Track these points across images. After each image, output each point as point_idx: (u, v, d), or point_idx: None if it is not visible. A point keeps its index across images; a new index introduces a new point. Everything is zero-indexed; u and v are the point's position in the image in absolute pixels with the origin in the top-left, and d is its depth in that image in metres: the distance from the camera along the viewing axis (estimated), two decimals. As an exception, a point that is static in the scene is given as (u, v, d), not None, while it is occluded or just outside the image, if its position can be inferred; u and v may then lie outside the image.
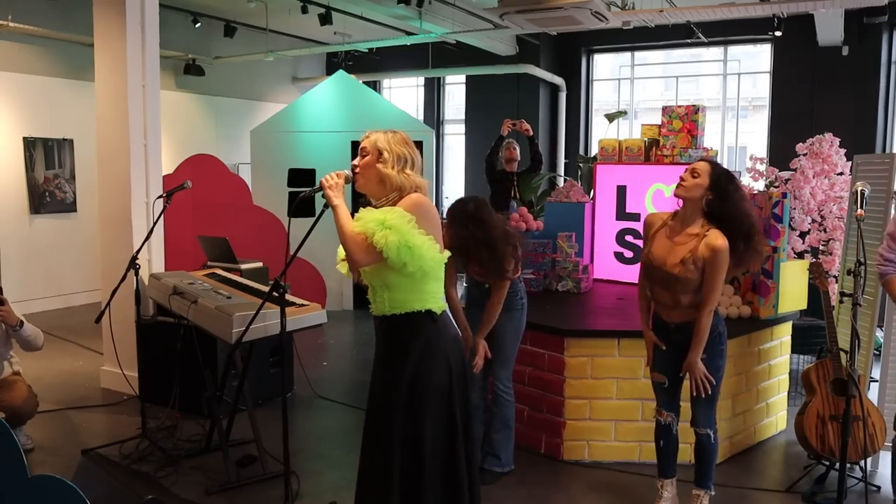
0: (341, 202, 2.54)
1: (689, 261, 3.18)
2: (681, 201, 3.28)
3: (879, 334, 4.70)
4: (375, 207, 2.58)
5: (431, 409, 2.55)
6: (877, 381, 4.37)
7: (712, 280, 3.17)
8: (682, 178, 3.24)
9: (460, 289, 4.23)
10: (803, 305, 4.77)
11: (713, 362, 3.38)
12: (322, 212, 2.63)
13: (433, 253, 2.49)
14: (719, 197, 3.17)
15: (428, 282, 2.56)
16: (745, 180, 6.47)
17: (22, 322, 4.26)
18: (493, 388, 4.03)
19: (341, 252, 2.65)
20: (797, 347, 5.20)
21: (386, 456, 2.55)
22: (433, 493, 2.55)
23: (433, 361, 2.56)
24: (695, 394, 3.36)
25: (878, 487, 4.01)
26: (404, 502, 2.54)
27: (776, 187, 6.11)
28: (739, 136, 10.40)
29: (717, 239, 3.15)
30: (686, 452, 3.81)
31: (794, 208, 6.14)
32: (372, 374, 2.75)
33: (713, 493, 3.59)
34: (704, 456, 3.52)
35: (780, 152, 7.91)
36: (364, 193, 2.66)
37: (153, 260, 5.45)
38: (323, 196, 2.57)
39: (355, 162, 2.66)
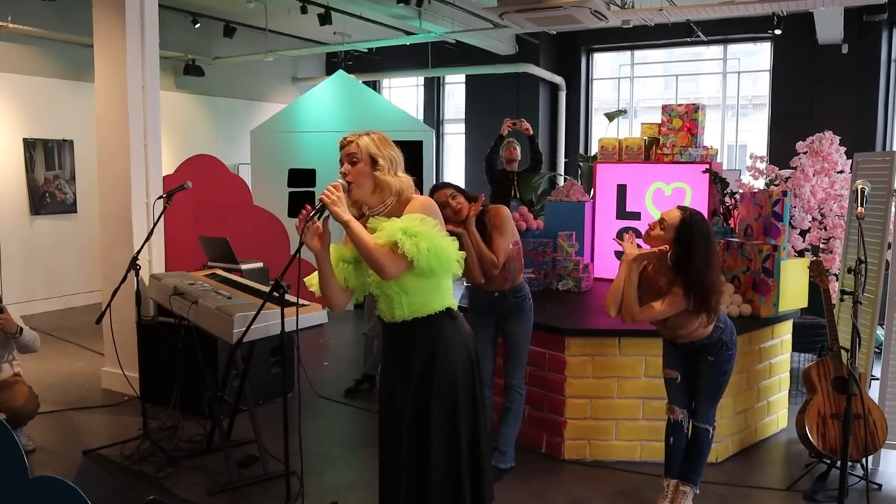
0: (350, 217, 2.43)
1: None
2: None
3: (880, 332, 4.70)
4: (366, 216, 2.55)
5: (462, 402, 2.57)
6: (878, 378, 4.36)
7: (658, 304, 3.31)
8: (650, 226, 3.33)
9: (459, 291, 4.23)
10: (804, 304, 4.77)
11: (720, 367, 3.47)
12: (322, 212, 2.61)
13: (456, 253, 2.50)
14: (679, 253, 3.25)
15: (445, 279, 2.57)
16: (746, 179, 6.46)
17: (21, 329, 4.27)
18: (506, 386, 4.05)
19: (313, 279, 2.61)
20: (798, 346, 5.20)
21: (423, 455, 2.53)
22: (469, 486, 2.57)
23: (457, 354, 2.57)
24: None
25: (880, 485, 4.01)
26: (442, 499, 2.54)
27: (776, 185, 6.10)
28: (739, 134, 10.40)
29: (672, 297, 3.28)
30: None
31: (795, 206, 6.13)
32: (384, 378, 2.70)
33: (698, 491, 3.61)
34: (698, 448, 3.54)
35: (780, 150, 7.91)
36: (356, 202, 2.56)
37: (153, 260, 5.45)
38: (327, 214, 2.45)
39: (345, 170, 2.53)
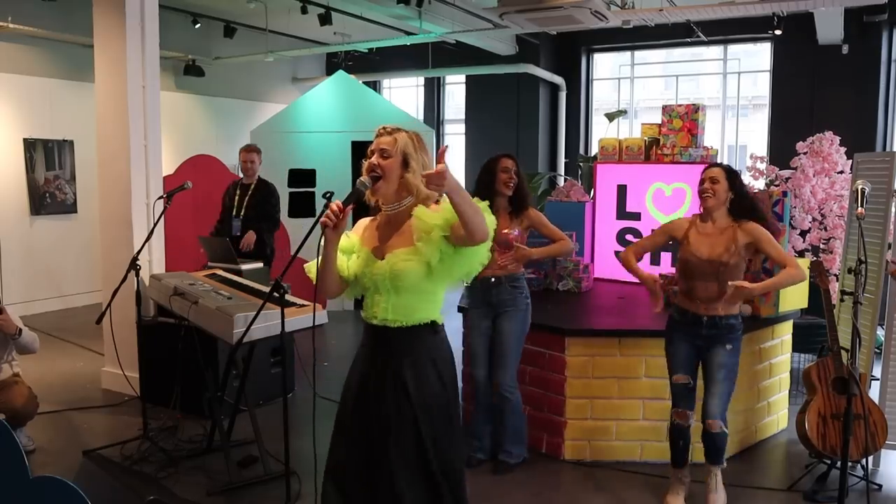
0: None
1: (732, 248, 3.48)
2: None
3: (880, 332, 4.70)
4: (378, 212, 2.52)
5: (436, 424, 2.43)
6: (878, 379, 4.36)
7: (774, 247, 3.51)
8: (705, 189, 3.54)
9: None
10: (804, 304, 4.77)
11: (733, 357, 3.56)
12: (322, 212, 2.60)
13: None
14: (738, 195, 3.58)
15: (441, 290, 2.46)
16: (746, 179, 6.47)
17: (20, 330, 4.27)
18: (497, 391, 4.03)
19: (312, 266, 2.51)
20: (798, 346, 5.20)
21: (380, 469, 2.42)
22: None
23: (432, 372, 2.44)
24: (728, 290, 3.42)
25: (880, 486, 4.01)
26: None
27: (776, 186, 6.10)
28: (739, 134, 10.40)
29: (751, 223, 3.53)
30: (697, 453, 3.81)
31: (795, 207, 6.14)
32: (360, 382, 2.60)
33: (724, 465, 3.67)
34: (718, 447, 3.59)
35: (781, 151, 7.91)
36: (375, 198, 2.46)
37: (154, 261, 5.45)
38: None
39: (376, 162, 2.39)
